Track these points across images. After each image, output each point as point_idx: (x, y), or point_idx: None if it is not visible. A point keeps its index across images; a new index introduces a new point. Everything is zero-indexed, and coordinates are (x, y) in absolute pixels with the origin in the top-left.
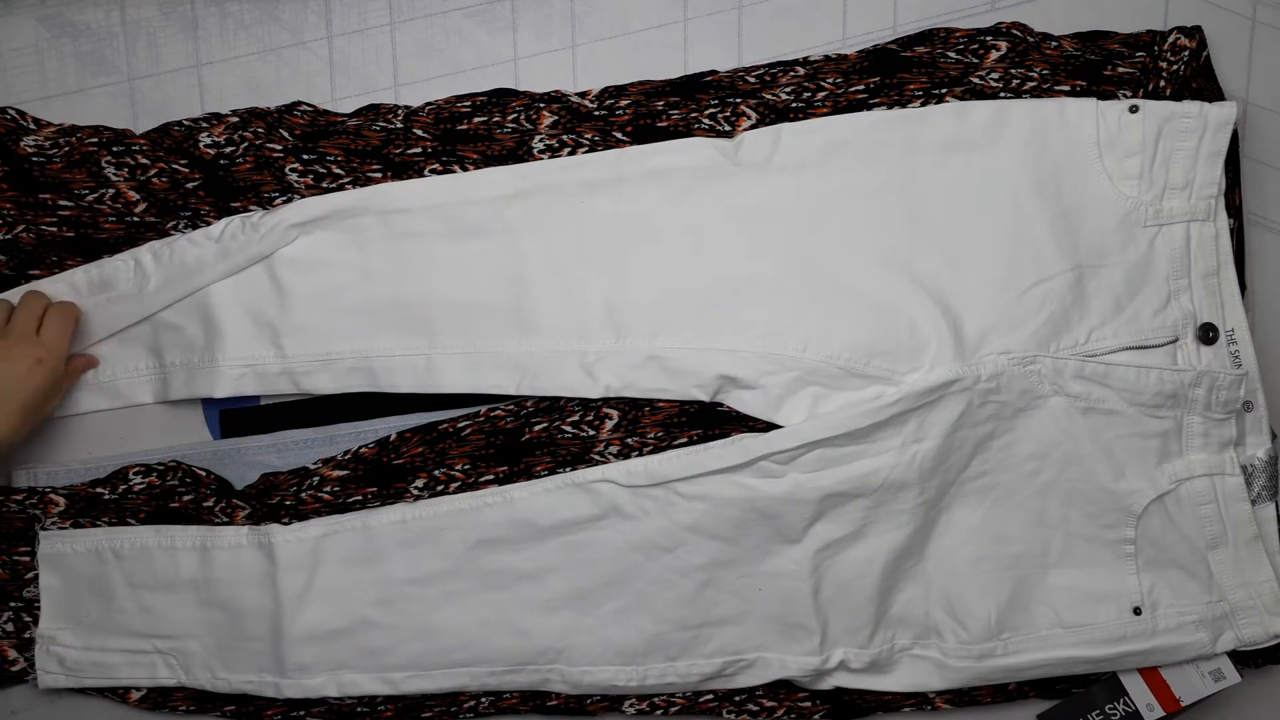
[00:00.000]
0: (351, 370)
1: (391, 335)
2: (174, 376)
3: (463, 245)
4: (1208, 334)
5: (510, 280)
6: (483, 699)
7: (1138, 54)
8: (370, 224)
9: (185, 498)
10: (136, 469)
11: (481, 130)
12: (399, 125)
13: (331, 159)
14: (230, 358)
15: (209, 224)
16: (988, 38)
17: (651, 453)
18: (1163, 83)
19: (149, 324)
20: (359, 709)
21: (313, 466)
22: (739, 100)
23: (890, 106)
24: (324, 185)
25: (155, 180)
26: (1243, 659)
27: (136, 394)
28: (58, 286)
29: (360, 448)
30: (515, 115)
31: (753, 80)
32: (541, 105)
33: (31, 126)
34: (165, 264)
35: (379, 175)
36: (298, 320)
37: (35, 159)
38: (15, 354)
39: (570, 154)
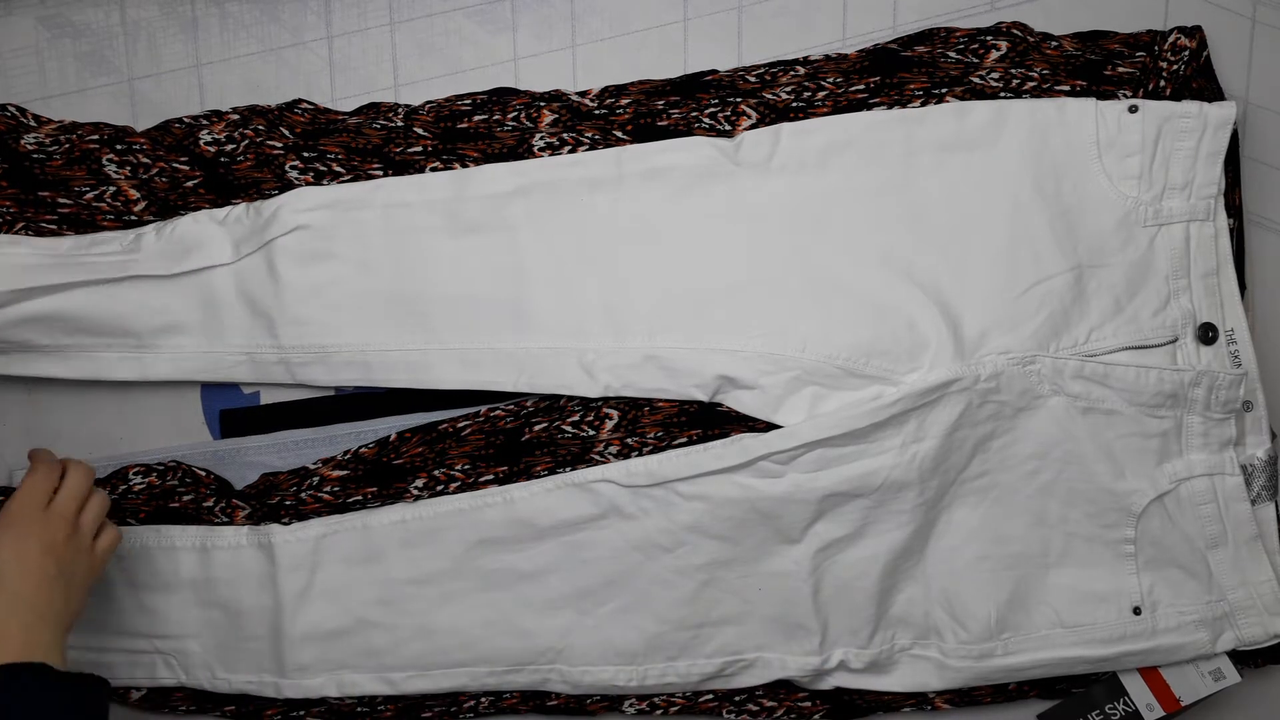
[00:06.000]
0: (347, 364)
1: (388, 330)
2: (157, 358)
3: (462, 241)
4: (1207, 334)
5: (509, 277)
6: (483, 699)
7: (1138, 54)
8: (371, 217)
9: (185, 498)
10: (136, 469)
11: (482, 128)
12: (399, 124)
13: (332, 156)
14: (228, 344)
15: None
16: (988, 37)
17: (651, 453)
18: (1163, 82)
19: (131, 303)
20: (359, 709)
21: (313, 466)
22: (739, 100)
23: (890, 106)
24: (324, 183)
25: (156, 180)
26: (1243, 659)
27: (107, 368)
28: (38, 250)
29: (360, 448)
30: (515, 114)
31: (753, 80)
32: (542, 104)
33: (32, 124)
34: (165, 238)
35: (379, 173)
36: (294, 311)
37: (35, 156)
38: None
39: (571, 152)
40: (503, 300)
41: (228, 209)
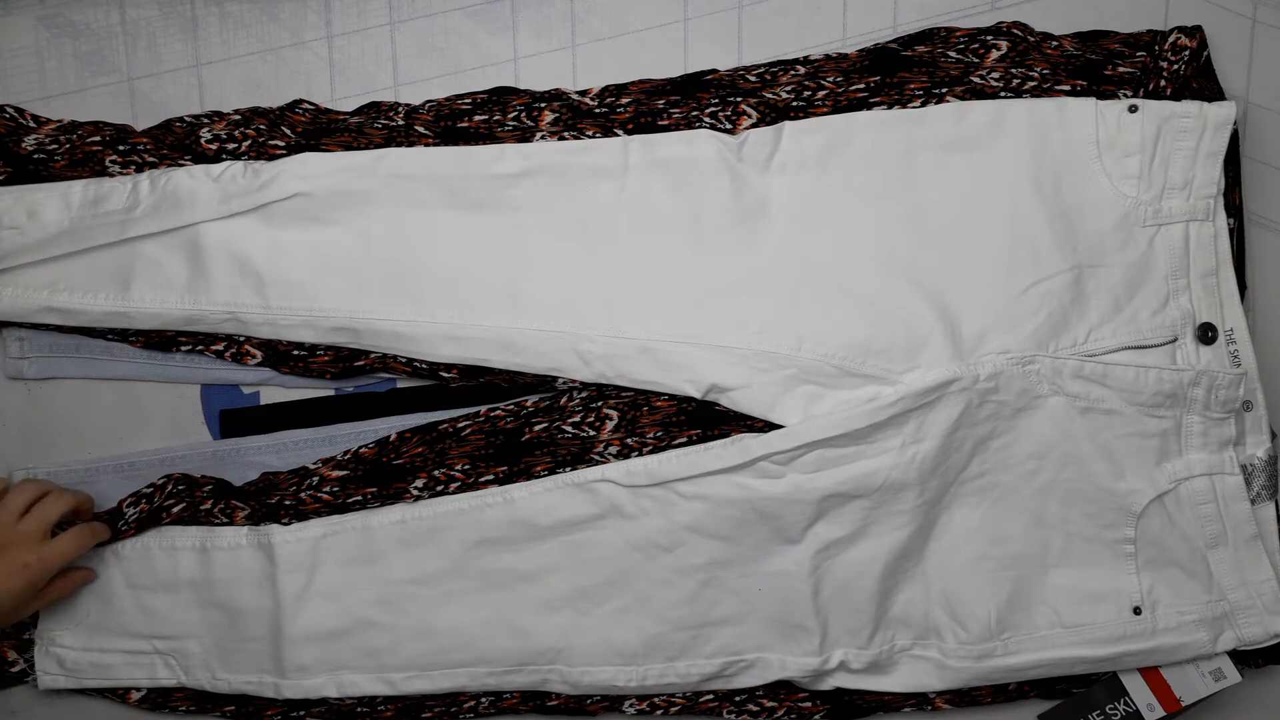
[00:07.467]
0: (335, 329)
1: (380, 299)
2: (140, 310)
3: (463, 218)
4: (1206, 334)
5: (507, 257)
6: (482, 699)
7: (1138, 54)
8: (372, 187)
9: (176, 509)
10: (128, 500)
11: (483, 129)
12: (400, 122)
13: None
14: (214, 301)
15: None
16: (988, 37)
17: (651, 453)
18: (1163, 82)
19: (128, 254)
20: (359, 709)
21: (312, 466)
22: (739, 99)
23: (890, 105)
24: None
25: None
26: (1243, 658)
27: (89, 318)
28: (53, 195)
29: (360, 448)
30: (516, 113)
31: (753, 79)
32: (542, 104)
33: (31, 124)
34: (159, 190)
35: None
36: (286, 274)
37: (36, 156)
38: (4, 554)
39: None
40: (498, 279)
41: (226, 165)
